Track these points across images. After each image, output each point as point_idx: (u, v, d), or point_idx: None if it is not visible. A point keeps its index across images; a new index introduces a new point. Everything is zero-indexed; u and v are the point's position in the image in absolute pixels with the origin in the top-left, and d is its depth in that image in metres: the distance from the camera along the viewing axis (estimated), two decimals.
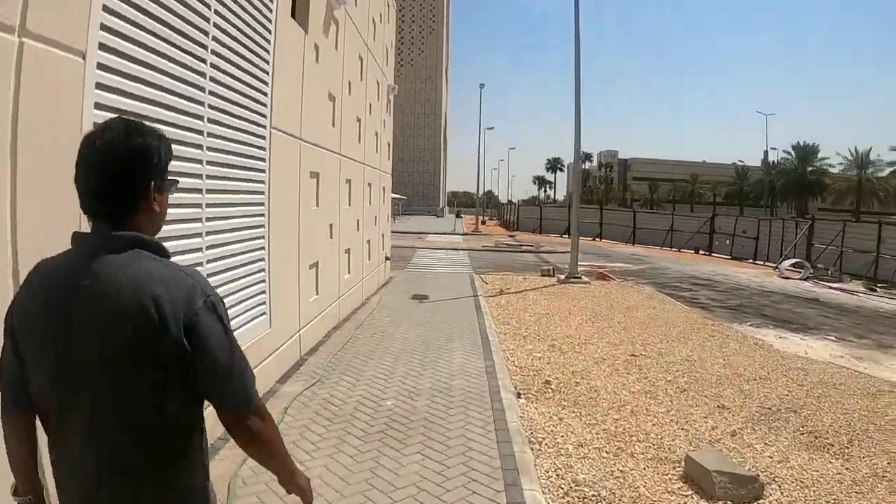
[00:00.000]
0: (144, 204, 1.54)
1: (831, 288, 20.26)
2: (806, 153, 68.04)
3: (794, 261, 24.89)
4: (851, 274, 22.68)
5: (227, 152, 5.33)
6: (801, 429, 6.05)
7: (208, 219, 4.93)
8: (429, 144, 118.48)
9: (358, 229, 11.53)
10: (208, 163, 4.92)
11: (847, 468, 5.17)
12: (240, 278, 5.59)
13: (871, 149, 59.18)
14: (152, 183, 1.54)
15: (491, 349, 8.32)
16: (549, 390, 6.72)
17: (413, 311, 11.21)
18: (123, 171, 1.49)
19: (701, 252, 34.22)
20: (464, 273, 18.95)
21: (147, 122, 1.61)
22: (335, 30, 9.21)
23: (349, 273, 10.73)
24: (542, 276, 17.98)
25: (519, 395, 6.46)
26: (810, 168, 67.36)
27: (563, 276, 17.02)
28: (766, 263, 28.03)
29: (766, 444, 5.58)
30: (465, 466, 4.58)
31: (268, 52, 6.21)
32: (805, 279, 22.32)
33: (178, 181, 1.73)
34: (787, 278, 22.63)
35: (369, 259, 12.88)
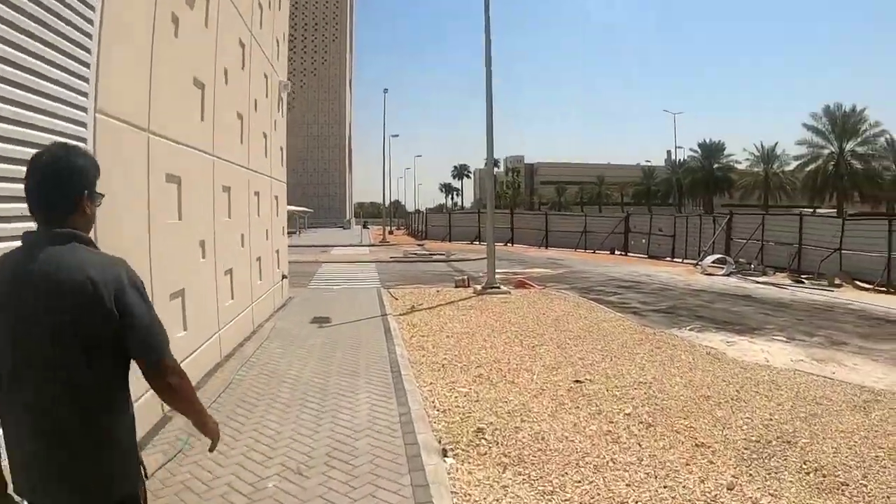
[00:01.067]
0: (79, 209, 2.06)
1: (758, 283, 20.21)
2: (712, 150, 70.92)
3: (715, 257, 24.98)
4: (774, 267, 22.87)
5: (11, 140, 3.67)
6: (803, 466, 5.01)
7: None
8: (333, 156, 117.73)
9: (243, 245, 9.89)
10: None
11: None
12: None
13: (776, 144, 62.21)
14: (85, 192, 2.08)
15: (405, 387, 6.89)
16: (484, 442, 5.36)
17: (312, 339, 9.64)
18: (65, 184, 2.03)
19: (617, 252, 34.47)
20: (371, 288, 17.60)
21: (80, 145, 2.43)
22: (204, 2, 7.60)
23: (233, 299, 9.05)
24: (457, 287, 16.82)
25: (445, 454, 5.07)
26: (717, 165, 70.17)
27: (479, 287, 15.88)
28: (685, 261, 28.22)
29: (772, 495, 4.47)
30: None
31: (91, 7, 4.58)
32: (729, 275, 22.32)
33: (103, 194, 2.21)
34: (710, 275, 22.57)
35: (261, 279, 11.22)
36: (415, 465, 4.70)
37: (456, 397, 6.66)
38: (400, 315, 12.15)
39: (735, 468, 4.93)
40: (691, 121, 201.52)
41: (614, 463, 4.93)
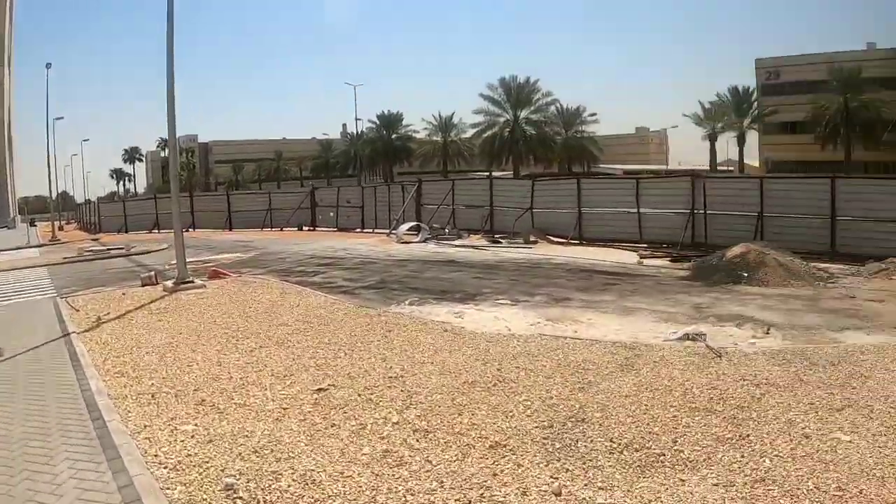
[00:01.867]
0: None
1: (456, 246, 21.08)
2: (391, 121, 74.12)
3: (410, 224, 25.58)
4: (468, 230, 24.15)
5: None
6: (611, 444, 4.72)
7: None
8: None
9: None
10: None
11: (719, 483, 3.97)
12: None
13: (453, 113, 67.44)
14: None
15: (114, 441, 5.03)
16: (241, 503, 3.98)
17: None
18: None
19: (305, 228, 34.15)
20: (45, 299, 14.27)
21: None
22: None
23: None
24: (144, 286, 14.49)
25: None
26: (395, 135, 73.49)
27: (170, 283, 13.75)
28: (377, 231, 28.62)
29: (602, 488, 4.01)
30: None
31: None
32: (425, 241, 23.03)
33: None
34: (406, 243, 23.02)
35: None
36: None
37: (183, 441, 5.05)
38: (86, 332, 9.67)
39: (547, 465, 4.34)
40: (372, 93, 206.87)
41: (413, 495, 3.96)
